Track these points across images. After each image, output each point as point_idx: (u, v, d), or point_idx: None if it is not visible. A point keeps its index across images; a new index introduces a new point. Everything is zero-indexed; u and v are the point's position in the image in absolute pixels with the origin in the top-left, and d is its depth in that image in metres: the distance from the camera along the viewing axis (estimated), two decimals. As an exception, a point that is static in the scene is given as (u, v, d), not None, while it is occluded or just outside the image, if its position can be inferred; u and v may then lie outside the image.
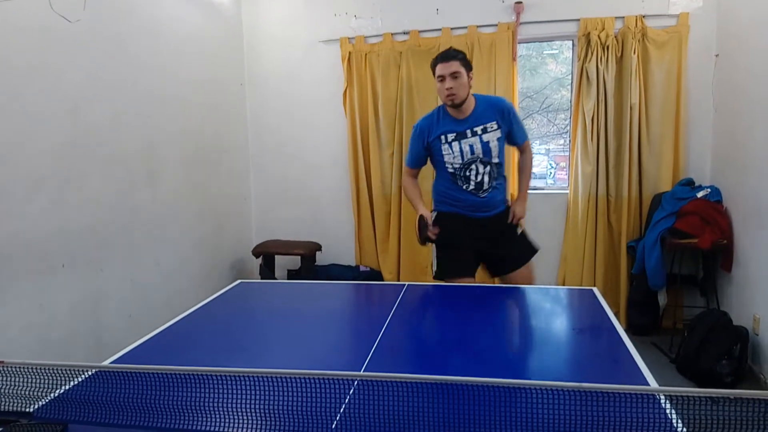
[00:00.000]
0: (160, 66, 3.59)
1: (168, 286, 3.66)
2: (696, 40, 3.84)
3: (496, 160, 2.71)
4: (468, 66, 2.67)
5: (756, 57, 3.23)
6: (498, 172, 2.74)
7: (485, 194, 2.73)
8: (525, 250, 2.82)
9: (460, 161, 2.71)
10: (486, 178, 2.71)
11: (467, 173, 2.71)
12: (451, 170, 2.74)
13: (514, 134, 2.76)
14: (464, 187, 2.74)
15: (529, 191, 2.95)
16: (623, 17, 3.89)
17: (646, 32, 3.86)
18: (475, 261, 2.81)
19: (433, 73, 2.70)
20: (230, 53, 4.55)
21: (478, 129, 2.68)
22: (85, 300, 2.98)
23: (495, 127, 2.68)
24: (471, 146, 2.68)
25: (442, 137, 2.71)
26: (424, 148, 2.79)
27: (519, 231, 2.82)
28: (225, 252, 4.46)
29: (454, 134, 2.70)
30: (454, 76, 2.59)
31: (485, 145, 2.68)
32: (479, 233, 2.75)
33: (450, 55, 2.66)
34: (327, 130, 4.63)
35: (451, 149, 2.71)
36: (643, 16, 3.87)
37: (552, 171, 4.83)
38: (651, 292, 3.82)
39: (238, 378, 1.30)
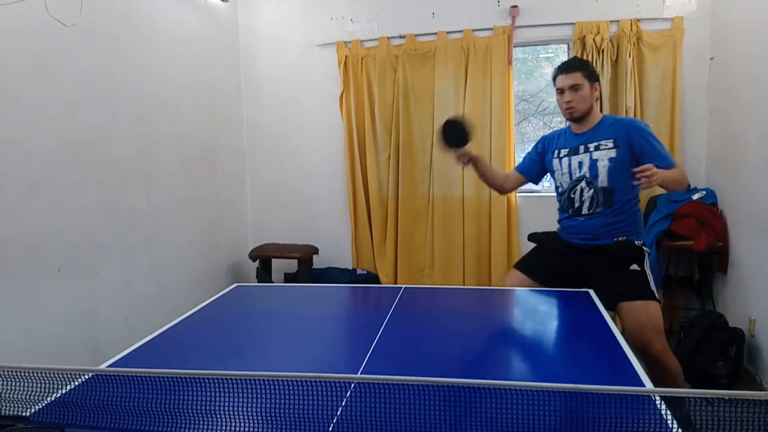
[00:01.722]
0: (155, 69, 3.59)
1: (164, 290, 3.65)
2: (690, 44, 3.86)
3: (604, 183, 2.40)
4: (592, 77, 2.43)
5: (749, 60, 3.25)
6: (605, 201, 2.40)
7: (583, 218, 2.47)
8: (634, 288, 2.36)
9: (568, 180, 2.51)
10: (587, 203, 2.43)
11: (572, 194, 2.50)
12: (560, 191, 2.58)
13: (647, 159, 2.26)
14: (569, 211, 2.54)
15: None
16: (618, 21, 3.91)
17: (640, 36, 3.88)
18: (560, 274, 2.55)
19: (554, 84, 2.48)
20: (226, 56, 4.55)
21: (591, 146, 2.43)
22: (81, 303, 2.97)
23: (610, 145, 2.39)
24: (580, 163, 2.45)
25: (556, 152, 2.57)
26: (538, 153, 2.67)
27: (633, 268, 2.38)
28: (221, 255, 4.45)
29: (567, 149, 2.50)
30: (575, 88, 2.39)
31: (593, 164, 2.41)
32: (576, 255, 2.52)
33: (571, 65, 2.44)
34: (323, 133, 4.63)
35: (560, 165, 2.53)
36: (638, 20, 3.89)
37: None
38: (647, 295, 3.83)
39: (234, 381, 1.30)
